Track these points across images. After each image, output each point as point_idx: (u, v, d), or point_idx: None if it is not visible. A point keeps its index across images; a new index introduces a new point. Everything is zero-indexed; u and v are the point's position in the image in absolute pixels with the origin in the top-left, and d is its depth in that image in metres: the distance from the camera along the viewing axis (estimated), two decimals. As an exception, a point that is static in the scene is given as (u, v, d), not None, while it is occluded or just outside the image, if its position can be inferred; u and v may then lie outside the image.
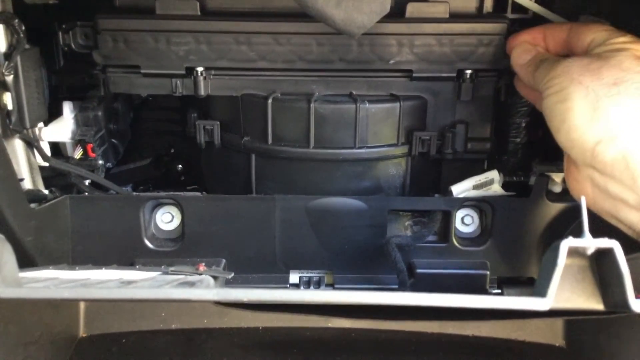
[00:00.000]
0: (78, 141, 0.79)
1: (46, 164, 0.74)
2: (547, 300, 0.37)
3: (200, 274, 0.52)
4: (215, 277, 0.53)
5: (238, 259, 0.74)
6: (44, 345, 0.62)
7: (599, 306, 0.41)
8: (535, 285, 0.39)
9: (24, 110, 0.66)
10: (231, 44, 0.69)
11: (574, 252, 0.39)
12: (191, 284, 0.44)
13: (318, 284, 0.73)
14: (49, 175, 0.77)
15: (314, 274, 0.75)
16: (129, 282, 0.44)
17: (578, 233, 0.42)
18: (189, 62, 0.70)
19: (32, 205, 0.67)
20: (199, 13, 0.68)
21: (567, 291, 0.40)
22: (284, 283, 0.74)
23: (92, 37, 0.71)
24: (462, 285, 0.72)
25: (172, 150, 0.97)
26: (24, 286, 0.40)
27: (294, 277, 0.75)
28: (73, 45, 0.71)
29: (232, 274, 0.58)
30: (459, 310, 0.60)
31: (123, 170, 0.93)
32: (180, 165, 0.97)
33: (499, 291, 0.73)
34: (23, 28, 0.65)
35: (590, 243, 0.38)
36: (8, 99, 0.64)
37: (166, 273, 0.53)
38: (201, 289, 0.40)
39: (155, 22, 0.68)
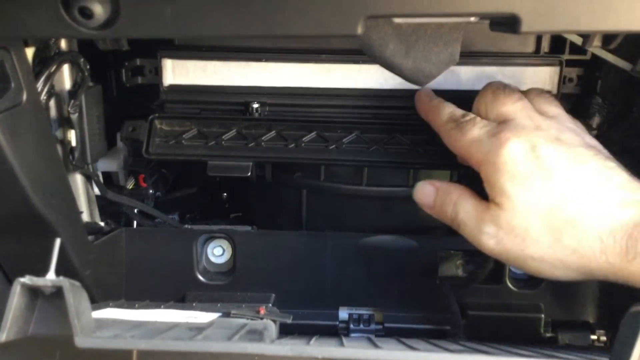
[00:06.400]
0: (130, 171, 0.81)
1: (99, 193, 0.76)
2: (628, 368, 0.37)
3: (262, 318, 0.52)
4: (274, 321, 0.53)
5: (287, 294, 0.74)
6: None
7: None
8: (615, 351, 0.38)
9: (86, 147, 0.67)
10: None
11: (653, 316, 0.38)
12: (259, 333, 0.44)
13: (368, 322, 0.73)
14: (99, 203, 0.78)
15: (364, 312, 0.74)
16: (198, 329, 0.44)
17: None
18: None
19: (90, 238, 0.68)
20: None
21: (645, 355, 0.39)
22: (333, 320, 0.74)
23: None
24: (515, 328, 0.71)
25: (217, 179, 0.99)
26: (100, 336, 0.41)
27: (343, 314, 0.74)
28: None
29: (291, 317, 0.58)
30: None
31: (170, 198, 0.95)
32: (225, 194, 0.98)
33: (553, 335, 0.72)
34: (88, 67, 0.67)
35: (672, 309, 0.38)
36: (72, 136, 0.65)
37: (227, 315, 0.54)
38: (276, 344, 0.41)
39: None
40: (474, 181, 0.58)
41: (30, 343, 0.42)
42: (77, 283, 0.42)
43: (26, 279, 0.40)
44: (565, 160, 0.53)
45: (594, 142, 0.58)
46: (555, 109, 0.60)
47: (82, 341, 0.39)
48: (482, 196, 0.56)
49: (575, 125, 0.59)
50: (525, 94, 0.61)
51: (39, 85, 0.61)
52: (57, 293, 0.41)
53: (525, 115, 0.56)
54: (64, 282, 0.40)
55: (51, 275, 0.41)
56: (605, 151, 0.57)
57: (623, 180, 0.52)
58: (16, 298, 0.40)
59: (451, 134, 0.59)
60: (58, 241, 0.43)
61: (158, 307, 0.59)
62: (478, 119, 0.58)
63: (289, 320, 0.56)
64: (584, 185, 0.52)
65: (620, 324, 0.39)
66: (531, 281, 0.73)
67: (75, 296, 0.40)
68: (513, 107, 0.57)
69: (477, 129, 0.56)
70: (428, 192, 0.60)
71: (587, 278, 0.53)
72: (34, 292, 0.41)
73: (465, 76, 0.71)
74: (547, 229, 0.52)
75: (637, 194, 0.51)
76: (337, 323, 0.74)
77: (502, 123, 0.56)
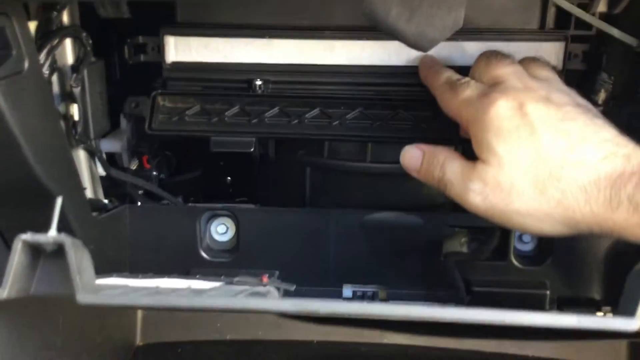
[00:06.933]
0: (134, 152, 0.81)
1: (104, 173, 0.76)
2: (635, 321, 0.36)
3: (265, 286, 0.52)
4: (278, 289, 0.53)
5: (291, 271, 0.74)
6: (104, 353, 0.63)
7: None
8: (621, 305, 0.38)
9: (89, 122, 0.67)
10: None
11: (660, 272, 0.38)
12: (262, 295, 0.44)
13: (372, 299, 0.73)
14: (104, 185, 0.78)
15: (368, 289, 0.74)
16: (201, 291, 0.44)
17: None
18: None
19: (94, 214, 0.68)
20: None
21: (652, 312, 0.39)
22: (337, 297, 0.74)
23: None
24: (520, 304, 0.70)
25: (222, 163, 0.99)
26: (103, 293, 0.41)
27: (347, 292, 0.74)
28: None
29: (294, 286, 0.58)
30: (521, 330, 0.58)
31: (175, 180, 0.95)
32: (229, 177, 0.98)
33: (559, 312, 0.71)
34: (90, 42, 0.67)
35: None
36: (75, 110, 0.66)
37: (231, 283, 0.54)
38: (278, 299, 0.40)
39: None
40: (465, 152, 0.59)
41: (32, 302, 0.42)
42: (79, 241, 0.41)
43: (27, 236, 0.39)
44: (552, 117, 0.53)
45: (584, 102, 0.58)
46: (547, 73, 0.61)
47: (84, 297, 0.39)
48: None
49: (567, 88, 0.60)
50: (520, 61, 0.62)
51: (41, 58, 0.61)
52: (59, 252, 0.41)
53: (516, 77, 0.57)
54: (66, 239, 0.39)
55: (52, 232, 0.40)
56: (594, 110, 0.57)
57: (610, 135, 0.52)
58: (17, 255, 0.40)
59: (445, 96, 0.60)
60: (60, 199, 0.43)
61: (162, 277, 0.59)
62: (472, 82, 0.59)
63: (292, 289, 0.56)
64: (569, 140, 0.52)
65: (626, 281, 0.39)
66: (536, 258, 0.73)
67: (77, 253, 0.40)
68: (505, 70, 0.58)
69: (469, 90, 0.58)
70: (415, 156, 0.60)
71: (573, 231, 0.53)
72: (35, 251, 0.41)
73: (471, 52, 0.71)
74: (532, 182, 0.52)
75: (623, 148, 0.51)
76: (341, 300, 0.73)
77: (493, 85, 0.57)
